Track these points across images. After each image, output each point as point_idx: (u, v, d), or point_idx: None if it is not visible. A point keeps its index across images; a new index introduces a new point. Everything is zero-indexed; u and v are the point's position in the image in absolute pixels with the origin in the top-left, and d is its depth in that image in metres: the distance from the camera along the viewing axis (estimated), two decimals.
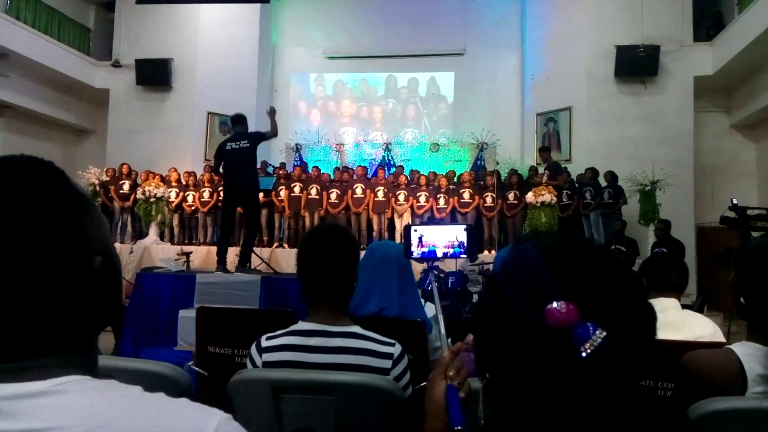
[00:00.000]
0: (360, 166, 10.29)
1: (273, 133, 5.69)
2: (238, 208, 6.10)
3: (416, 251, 2.19)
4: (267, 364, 1.50)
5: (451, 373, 0.86)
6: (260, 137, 5.58)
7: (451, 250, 2.24)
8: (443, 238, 2.23)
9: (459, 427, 0.77)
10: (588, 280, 0.59)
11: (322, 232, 1.64)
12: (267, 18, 12.40)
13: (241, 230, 5.97)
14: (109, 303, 0.66)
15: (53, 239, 0.59)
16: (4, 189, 0.58)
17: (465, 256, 2.30)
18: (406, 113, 12.66)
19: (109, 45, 11.97)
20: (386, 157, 11.53)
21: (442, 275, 6.67)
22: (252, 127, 6.14)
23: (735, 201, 3.10)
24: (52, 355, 0.59)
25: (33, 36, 10.08)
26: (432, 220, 9.03)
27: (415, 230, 2.24)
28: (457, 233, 2.25)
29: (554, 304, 0.56)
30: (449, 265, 7.12)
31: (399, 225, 9.26)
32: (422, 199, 9.30)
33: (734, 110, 10.42)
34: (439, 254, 2.25)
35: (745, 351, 1.21)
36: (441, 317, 1.55)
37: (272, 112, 5.87)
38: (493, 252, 8.54)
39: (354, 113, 12.77)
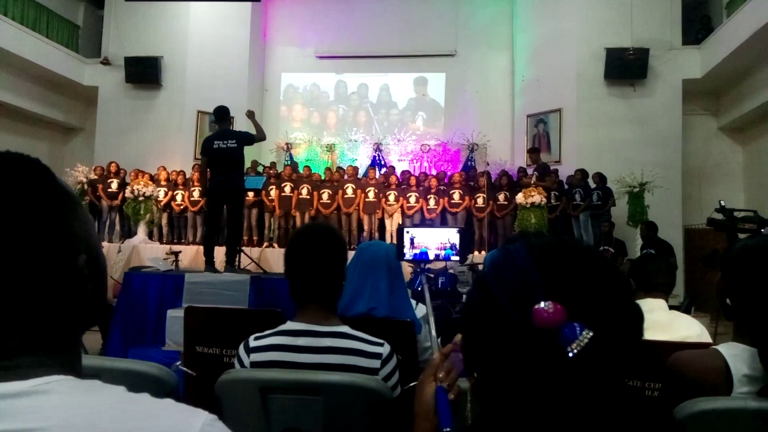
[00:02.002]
0: (350, 165, 10.28)
1: (260, 137, 5.65)
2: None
3: (408, 253, 2.20)
4: (255, 364, 1.49)
5: (441, 375, 0.85)
6: (248, 139, 5.54)
7: (443, 252, 2.24)
8: (435, 240, 2.23)
9: (447, 429, 0.77)
10: (576, 281, 0.59)
11: (309, 232, 1.63)
12: (258, 17, 12.35)
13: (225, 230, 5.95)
14: (94, 302, 0.65)
15: (37, 236, 0.58)
16: None
17: (457, 258, 2.29)
18: (397, 115, 12.63)
19: (98, 42, 11.85)
20: (377, 158, 11.53)
21: (431, 275, 6.67)
22: (242, 129, 6.10)
23: (723, 203, 3.13)
24: (34, 354, 0.58)
25: (21, 32, 9.94)
26: (423, 222, 9.04)
27: (407, 232, 2.24)
28: (449, 235, 2.25)
29: (542, 304, 0.56)
30: (437, 264, 7.11)
31: (389, 225, 9.26)
32: (412, 199, 9.31)
33: (722, 113, 10.53)
34: (431, 256, 2.25)
35: (731, 351, 1.22)
36: (432, 318, 1.55)
37: (251, 115, 5.82)
38: (483, 252, 8.56)
39: (341, 114, 12.73)
